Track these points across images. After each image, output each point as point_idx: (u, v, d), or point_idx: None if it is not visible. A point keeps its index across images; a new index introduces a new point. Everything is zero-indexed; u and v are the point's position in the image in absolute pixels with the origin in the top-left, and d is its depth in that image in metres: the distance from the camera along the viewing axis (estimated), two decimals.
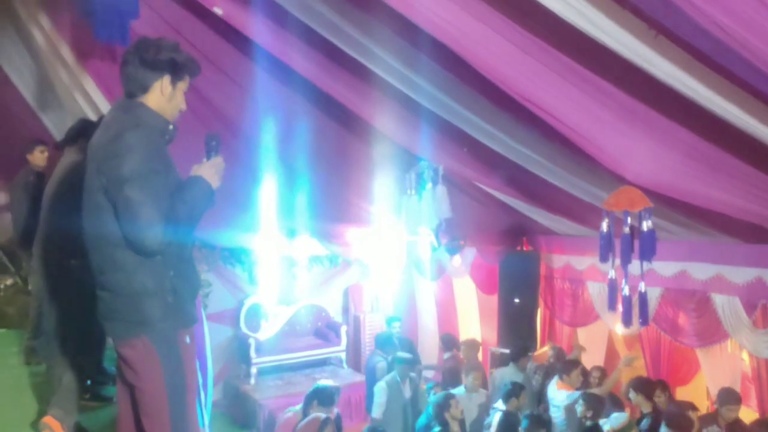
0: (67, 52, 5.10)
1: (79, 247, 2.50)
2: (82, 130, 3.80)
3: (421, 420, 6.01)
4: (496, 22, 3.02)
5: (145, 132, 2.34)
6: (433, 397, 6.09)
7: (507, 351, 7.50)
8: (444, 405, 5.72)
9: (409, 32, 3.44)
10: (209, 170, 2.46)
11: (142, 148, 2.30)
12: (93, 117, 4.90)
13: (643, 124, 3.59)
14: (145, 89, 2.42)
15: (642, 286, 4.53)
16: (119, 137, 2.30)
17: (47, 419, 3.30)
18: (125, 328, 2.41)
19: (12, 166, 5.69)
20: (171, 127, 2.49)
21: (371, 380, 7.57)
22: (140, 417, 2.48)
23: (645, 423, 5.41)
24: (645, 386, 5.79)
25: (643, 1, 2.54)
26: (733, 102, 3.02)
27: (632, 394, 5.76)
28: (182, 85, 2.49)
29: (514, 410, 5.79)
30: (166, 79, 2.42)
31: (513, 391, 5.90)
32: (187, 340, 2.47)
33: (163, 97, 2.43)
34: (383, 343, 8.08)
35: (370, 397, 7.49)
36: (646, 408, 5.61)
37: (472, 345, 8.03)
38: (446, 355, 8.21)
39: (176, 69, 2.43)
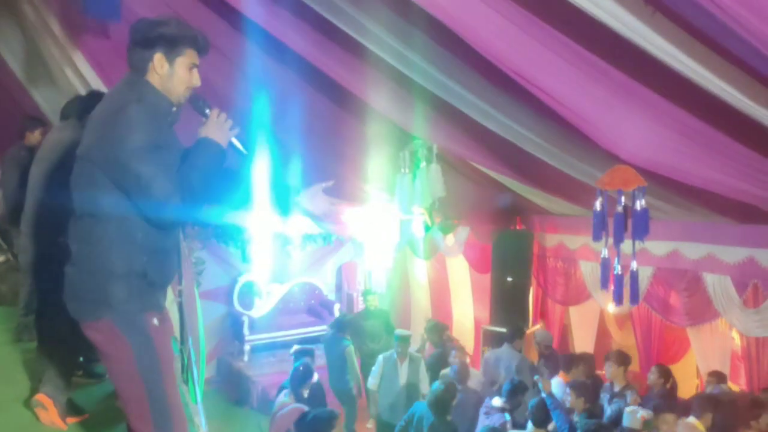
0: (57, 28, 5.04)
1: (66, 224, 2.45)
2: (75, 107, 3.77)
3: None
4: None
5: (147, 108, 2.27)
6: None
7: (500, 330, 7.55)
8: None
9: (403, 7, 3.40)
10: (212, 128, 2.38)
11: (145, 122, 2.23)
12: (84, 92, 4.85)
13: (638, 103, 3.58)
14: (142, 69, 2.36)
15: (634, 265, 4.55)
16: (121, 110, 2.24)
17: (39, 396, 3.30)
18: (88, 309, 2.34)
19: (2, 141, 5.63)
20: (174, 109, 2.42)
21: (337, 362, 7.49)
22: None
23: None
24: (621, 357, 5.84)
25: None
26: (729, 81, 3.01)
27: (608, 366, 5.81)
28: (183, 60, 2.38)
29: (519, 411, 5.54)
30: (159, 56, 2.34)
31: (517, 389, 5.61)
32: (155, 322, 2.39)
33: (161, 75, 2.36)
34: (343, 326, 7.90)
35: (335, 380, 7.52)
36: (622, 381, 5.67)
37: (435, 328, 7.89)
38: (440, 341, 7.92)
39: (169, 44, 2.34)
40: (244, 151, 2.52)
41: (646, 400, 5.48)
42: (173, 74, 2.38)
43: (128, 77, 2.40)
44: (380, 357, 6.84)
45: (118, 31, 4.69)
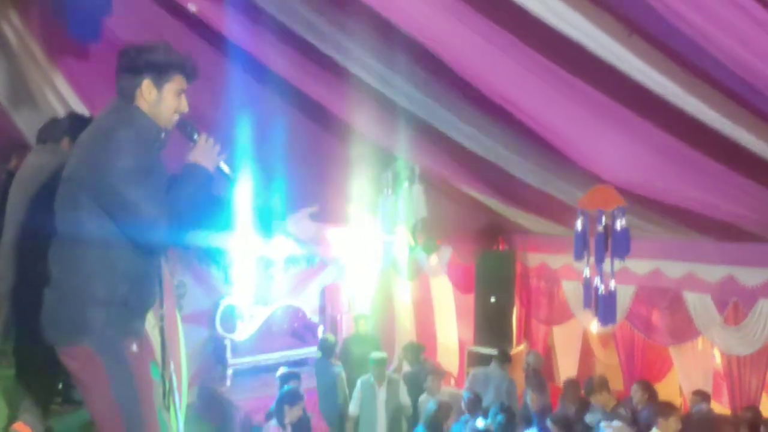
0: (38, 50, 5.02)
1: (45, 249, 2.41)
2: (53, 130, 3.74)
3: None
4: (473, 20, 3.03)
5: (136, 133, 2.26)
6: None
7: (485, 350, 7.55)
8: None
9: (385, 31, 3.43)
10: (200, 153, 2.38)
11: (134, 147, 2.22)
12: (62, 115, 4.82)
13: (617, 123, 3.63)
14: (131, 94, 2.35)
15: (612, 284, 4.57)
16: (110, 135, 2.23)
17: (18, 425, 3.23)
18: (65, 335, 2.30)
19: None
20: (163, 135, 2.41)
21: (328, 388, 7.37)
22: None
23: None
24: (602, 383, 5.85)
25: (617, 1, 2.56)
26: (705, 101, 3.07)
27: (594, 398, 5.81)
28: (171, 86, 2.37)
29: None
30: (147, 83, 2.33)
31: (509, 420, 5.50)
32: (134, 348, 2.35)
33: (149, 101, 2.34)
34: (330, 348, 7.77)
35: (325, 404, 7.39)
36: (612, 401, 5.68)
37: (411, 348, 7.82)
38: (416, 361, 7.83)
39: (157, 70, 2.34)
40: (232, 176, 2.53)
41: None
42: (161, 100, 2.36)
43: (117, 102, 2.39)
44: (359, 382, 6.73)
45: (99, 53, 4.69)
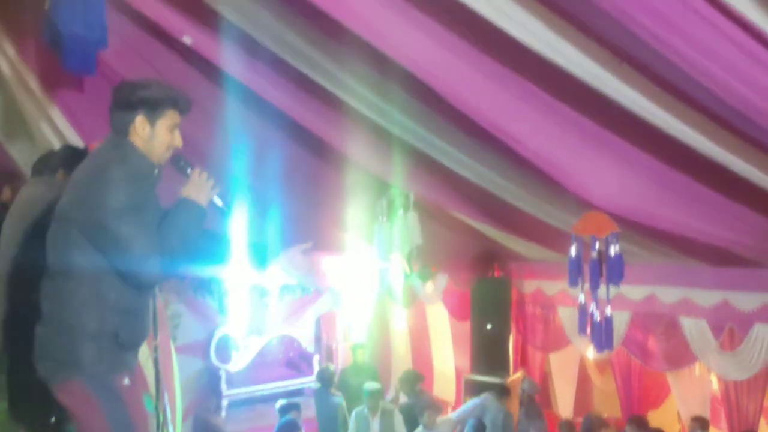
0: (33, 82, 5.05)
1: (38, 282, 2.41)
2: (48, 163, 3.74)
3: None
4: (465, 52, 3.07)
5: (129, 169, 2.28)
6: None
7: (482, 378, 7.50)
8: None
9: (379, 63, 3.47)
10: (194, 188, 2.40)
11: (127, 183, 2.24)
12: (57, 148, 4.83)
13: (608, 150, 3.66)
14: (124, 130, 2.36)
15: (608, 310, 4.57)
16: (104, 171, 2.25)
17: None
18: (58, 370, 2.30)
19: None
20: (156, 171, 2.42)
21: (328, 418, 7.24)
22: None
23: None
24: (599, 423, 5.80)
25: (607, 31, 2.61)
26: (695, 128, 3.10)
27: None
28: (164, 122, 2.39)
29: None
30: (141, 119, 2.35)
31: None
32: (126, 382, 2.35)
33: (142, 137, 2.36)
34: (329, 377, 7.67)
35: None
36: None
37: (409, 378, 7.69)
38: (412, 391, 7.61)
39: (150, 106, 2.36)
40: (226, 210, 2.54)
41: None
42: (154, 136, 2.38)
43: (111, 138, 2.41)
44: (353, 413, 6.64)
45: (94, 85, 4.72)
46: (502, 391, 6.84)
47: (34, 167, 3.85)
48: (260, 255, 2.74)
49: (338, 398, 7.41)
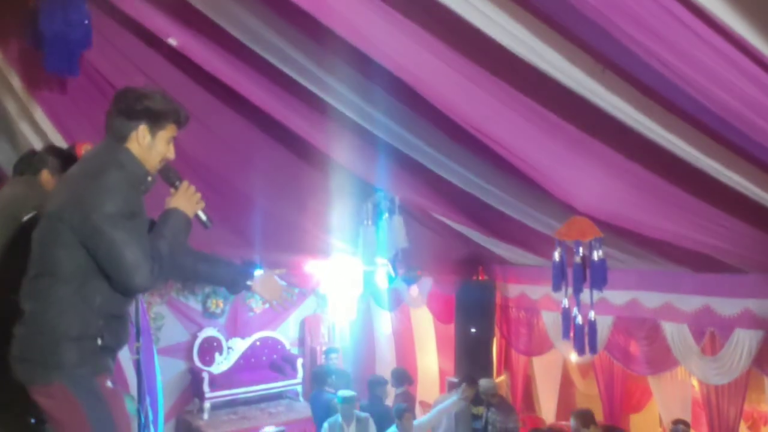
0: (16, 82, 5.00)
1: (17, 282, 2.39)
2: (29, 163, 3.71)
3: None
4: (450, 56, 3.08)
5: (126, 175, 2.30)
6: None
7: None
8: None
9: (364, 65, 3.48)
10: (180, 199, 2.44)
11: (123, 189, 2.26)
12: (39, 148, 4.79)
13: (591, 156, 3.69)
14: (123, 137, 2.38)
15: (591, 315, 4.60)
16: (101, 175, 2.25)
17: None
18: (39, 372, 2.28)
19: None
20: (150, 179, 2.45)
21: (323, 418, 7.06)
22: None
23: None
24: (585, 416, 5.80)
25: (591, 38, 2.63)
26: (678, 135, 3.13)
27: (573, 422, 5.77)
28: (164, 134, 2.42)
29: None
30: (143, 128, 2.37)
31: None
32: (109, 384, 2.35)
33: (141, 146, 2.38)
34: (323, 377, 7.63)
35: None
36: None
37: (396, 374, 7.70)
38: (398, 391, 7.72)
39: (153, 118, 2.38)
40: (208, 224, 2.59)
41: None
42: (153, 146, 2.41)
43: (108, 142, 2.42)
44: (326, 424, 6.46)
45: (78, 85, 4.69)
46: (461, 381, 6.83)
47: (16, 167, 3.82)
48: (235, 285, 2.77)
49: (331, 394, 7.33)
